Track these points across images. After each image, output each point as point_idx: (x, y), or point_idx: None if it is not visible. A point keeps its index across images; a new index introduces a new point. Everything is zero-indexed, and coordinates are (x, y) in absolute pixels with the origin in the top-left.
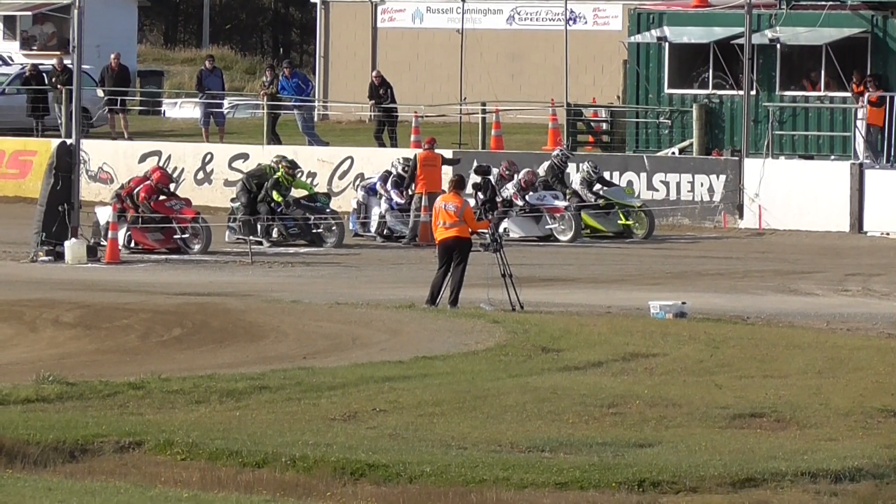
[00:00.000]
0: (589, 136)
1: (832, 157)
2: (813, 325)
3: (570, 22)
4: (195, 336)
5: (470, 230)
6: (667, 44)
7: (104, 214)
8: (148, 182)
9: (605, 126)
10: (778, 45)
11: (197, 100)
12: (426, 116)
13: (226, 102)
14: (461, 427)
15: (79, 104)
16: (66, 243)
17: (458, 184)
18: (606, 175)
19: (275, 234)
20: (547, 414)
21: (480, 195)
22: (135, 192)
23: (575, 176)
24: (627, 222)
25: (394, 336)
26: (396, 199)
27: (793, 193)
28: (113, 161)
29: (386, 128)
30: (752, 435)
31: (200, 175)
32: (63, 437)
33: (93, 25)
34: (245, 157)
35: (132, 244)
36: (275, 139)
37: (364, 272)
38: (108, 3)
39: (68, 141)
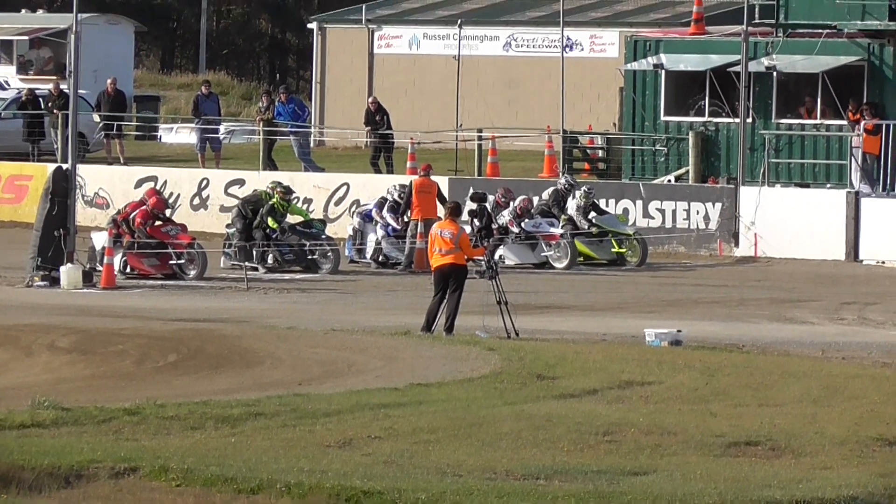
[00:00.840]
0: (585, 163)
1: (828, 185)
2: (808, 354)
3: (567, 49)
4: (191, 362)
5: (466, 257)
6: (663, 71)
7: (100, 240)
8: (144, 207)
9: (601, 153)
10: (774, 73)
11: (193, 125)
12: (422, 143)
13: (222, 128)
14: (456, 454)
15: (75, 129)
16: (62, 268)
17: (455, 211)
18: (602, 202)
19: (270, 260)
20: (542, 441)
21: (476, 222)
22: (131, 217)
23: (571, 203)
24: (621, 250)
25: (389, 363)
26: (393, 225)
27: (789, 221)
28: (109, 186)
29: (382, 154)
30: (747, 463)
31: (196, 201)
32: (58, 462)
33: (89, 50)
34: (241, 182)
35: (128, 269)
36: (271, 165)
37: (360, 299)
38: (105, 29)
39: (64, 166)
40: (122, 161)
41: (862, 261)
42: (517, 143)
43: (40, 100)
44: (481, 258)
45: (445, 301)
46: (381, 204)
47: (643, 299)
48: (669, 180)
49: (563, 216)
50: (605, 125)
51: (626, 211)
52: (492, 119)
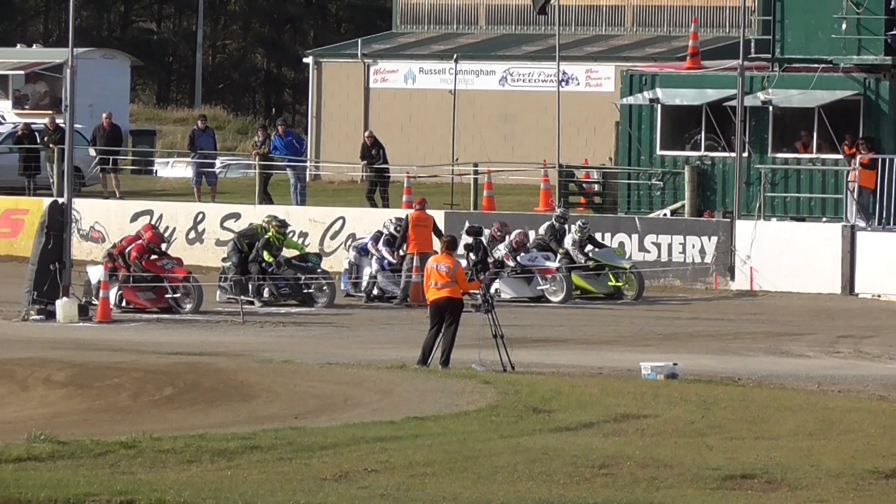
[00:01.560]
0: (581, 197)
1: (824, 219)
2: (804, 387)
3: (563, 83)
4: (187, 395)
5: (462, 291)
6: (659, 105)
7: (96, 273)
8: (140, 241)
9: (596, 187)
10: (770, 108)
11: (189, 159)
12: (418, 177)
13: (218, 162)
14: (452, 487)
15: (71, 163)
16: (58, 302)
17: (451, 244)
18: (598, 236)
19: (266, 293)
20: (538, 475)
21: (472, 256)
22: (126, 251)
23: (567, 237)
24: (618, 284)
25: (385, 396)
26: (388, 258)
27: (784, 255)
28: (105, 220)
29: (378, 188)
30: (743, 496)
31: (192, 234)
32: (54, 495)
33: (85, 85)
34: (237, 216)
35: (123, 303)
36: (267, 199)
37: (355, 332)
38: (101, 63)
39: (60, 200)
40: (117, 195)
41: (858, 294)
42: (513, 178)
43: (36, 134)
44: (477, 292)
45: (441, 335)
46: (376, 238)
47: (639, 333)
48: (665, 214)
49: (560, 250)
50: (601, 159)
51: (621, 245)
52: (488, 153)
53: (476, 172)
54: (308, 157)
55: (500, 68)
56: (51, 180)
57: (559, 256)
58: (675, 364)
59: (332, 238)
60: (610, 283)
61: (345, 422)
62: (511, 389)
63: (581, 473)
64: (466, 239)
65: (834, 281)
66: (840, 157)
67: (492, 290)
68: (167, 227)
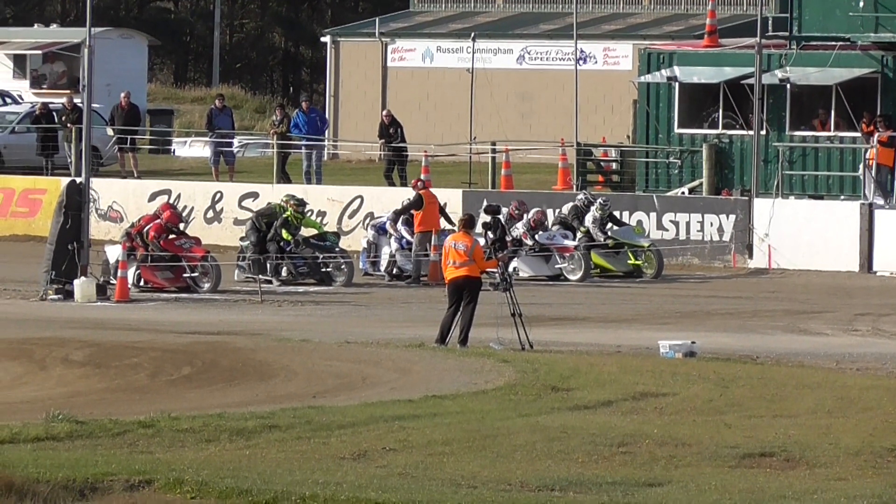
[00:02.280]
0: (599, 175)
1: (842, 197)
2: (822, 365)
3: (581, 62)
4: (205, 375)
5: (480, 269)
6: (677, 84)
7: (114, 253)
8: (158, 221)
9: (614, 166)
10: (788, 86)
11: (207, 139)
12: (436, 156)
13: (236, 141)
14: (471, 466)
15: (88, 143)
16: (76, 282)
17: (468, 223)
18: (616, 215)
19: (284, 272)
20: (557, 453)
21: (490, 234)
22: (144, 230)
23: (588, 215)
24: (637, 262)
25: (403, 375)
26: (407, 237)
27: (802, 233)
28: (123, 200)
29: (396, 167)
30: (762, 474)
31: (210, 214)
32: (73, 475)
33: (103, 64)
34: (255, 196)
35: (142, 283)
36: (285, 178)
37: (374, 311)
38: (119, 43)
39: (78, 180)
40: (135, 175)
41: (876, 272)
42: (531, 156)
43: (54, 114)
44: (495, 270)
45: (460, 313)
46: (395, 217)
47: (657, 311)
48: (683, 192)
49: (581, 228)
50: (619, 138)
51: (639, 223)
52: (505, 132)
53: (494, 151)
54: (326, 136)
55: (518, 47)
56: (69, 160)
57: (579, 235)
58: (693, 342)
59: (351, 217)
60: (629, 262)
61: (363, 401)
62: (529, 368)
63: (599, 452)
64: (484, 217)
65: (852, 259)
66: (858, 134)
67: (510, 269)
68: (185, 207)
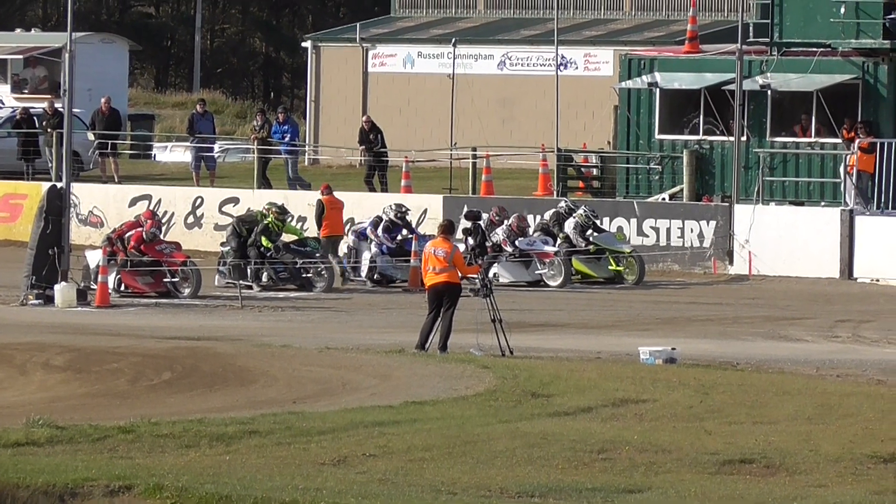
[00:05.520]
0: (579, 181)
1: (822, 203)
2: (803, 372)
3: (561, 67)
4: (185, 380)
5: (461, 275)
6: (657, 89)
7: (94, 258)
8: (140, 230)
9: (595, 171)
10: (769, 92)
11: (188, 143)
12: (417, 161)
13: (216, 146)
14: (451, 472)
15: (69, 148)
16: (56, 287)
17: (448, 229)
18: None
19: (265, 278)
20: (536, 459)
21: (471, 240)
22: (126, 236)
23: (569, 220)
24: (618, 268)
25: (384, 381)
26: (387, 244)
27: (783, 239)
28: (103, 205)
29: (376, 173)
30: (742, 481)
31: (191, 219)
32: (53, 480)
33: (84, 69)
34: (235, 201)
35: (122, 288)
36: (265, 183)
37: (354, 317)
38: (100, 47)
39: (58, 184)
40: (116, 180)
41: (856, 279)
42: (511, 162)
43: (35, 118)
44: (475, 276)
45: (440, 319)
46: (376, 223)
47: (638, 317)
48: (664, 198)
49: (560, 234)
50: (600, 143)
51: (619, 229)
52: (486, 137)
53: (474, 157)
54: (306, 141)
55: (499, 52)
56: (49, 165)
57: (559, 241)
58: (673, 348)
59: None
60: (610, 268)
61: (343, 406)
62: (510, 374)
63: (579, 458)
64: (465, 223)
65: (833, 265)
66: (838, 141)
67: (490, 275)
68: (166, 212)
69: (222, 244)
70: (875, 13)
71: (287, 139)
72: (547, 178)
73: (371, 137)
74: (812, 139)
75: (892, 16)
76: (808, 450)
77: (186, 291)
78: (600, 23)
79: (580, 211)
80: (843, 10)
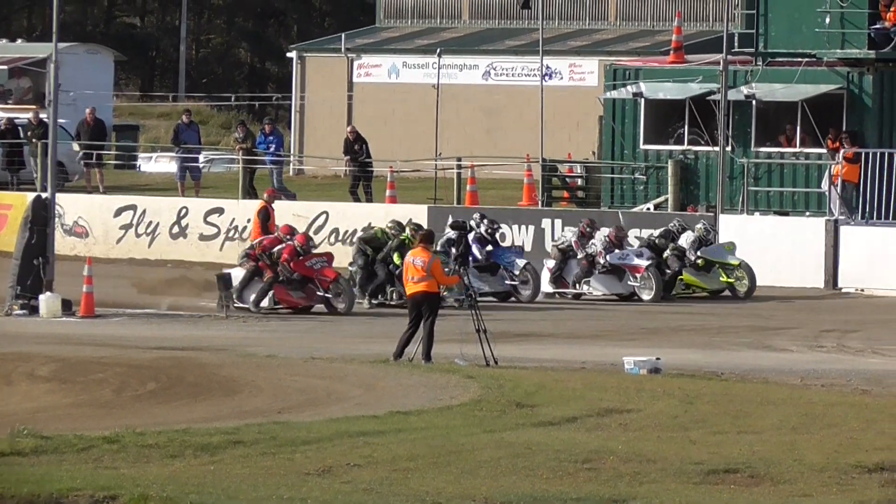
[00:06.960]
0: (564, 191)
1: (807, 213)
2: (787, 382)
3: (546, 77)
4: (170, 390)
5: (439, 285)
6: (642, 99)
7: (238, 275)
8: (291, 243)
9: (580, 182)
10: (754, 102)
11: (173, 154)
12: (401, 171)
13: (202, 157)
14: (436, 482)
15: (54, 158)
16: (41, 297)
17: (427, 238)
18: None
19: (395, 296)
20: (521, 469)
21: (454, 250)
22: (274, 251)
23: (688, 233)
24: (729, 280)
25: (368, 391)
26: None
27: (768, 250)
28: (88, 215)
29: (361, 183)
30: (727, 491)
31: (175, 229)
32: (38, 490)
33: (69, 79)
34: (220, 211)
35: (276, 304)
36: (251, 193)
37: (339, 327)
38: (85, 58)
39: (43, 195)
40: (101, 190)
41: (841, 289)
42: (496, 172)
43: (20, 129)
44: (454, 286)
45: (420, 328)
46: (449, 241)
47: (622, 327)
48: (649, 208)
49: (671, 245)
50: (585, 153)
51: (731, 242)
52: (471, 147)
53: (459, 167)
54: (291, 151)
55: (484, 63)
56: (34, 175)
57: (667, 253)
58: (658, 358)
59: (316, 233)
60: (721, 279)
61: (328, 416)
62: (494, 384)
63: (564, 468)
64: (450, 233)
65: (817, 275)
66: (823, 151)
67: (584, 288)
68: (150, 222)
69: (350, 264)
70: (860, 23)
71: (272, 149)
72: (532, 188)
73: (356, 147)
74: (797, 149)
75: (877, 26)
76: (792, 459)
77: (342, 306)
78: (585, 33)
79: (699, 225)
80: (828, 20)
